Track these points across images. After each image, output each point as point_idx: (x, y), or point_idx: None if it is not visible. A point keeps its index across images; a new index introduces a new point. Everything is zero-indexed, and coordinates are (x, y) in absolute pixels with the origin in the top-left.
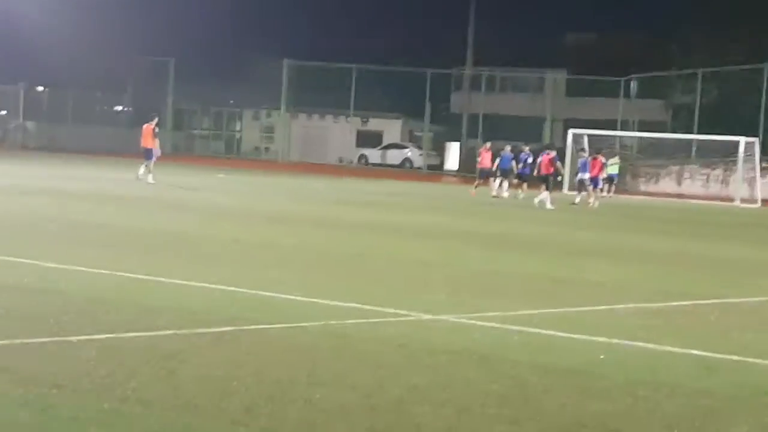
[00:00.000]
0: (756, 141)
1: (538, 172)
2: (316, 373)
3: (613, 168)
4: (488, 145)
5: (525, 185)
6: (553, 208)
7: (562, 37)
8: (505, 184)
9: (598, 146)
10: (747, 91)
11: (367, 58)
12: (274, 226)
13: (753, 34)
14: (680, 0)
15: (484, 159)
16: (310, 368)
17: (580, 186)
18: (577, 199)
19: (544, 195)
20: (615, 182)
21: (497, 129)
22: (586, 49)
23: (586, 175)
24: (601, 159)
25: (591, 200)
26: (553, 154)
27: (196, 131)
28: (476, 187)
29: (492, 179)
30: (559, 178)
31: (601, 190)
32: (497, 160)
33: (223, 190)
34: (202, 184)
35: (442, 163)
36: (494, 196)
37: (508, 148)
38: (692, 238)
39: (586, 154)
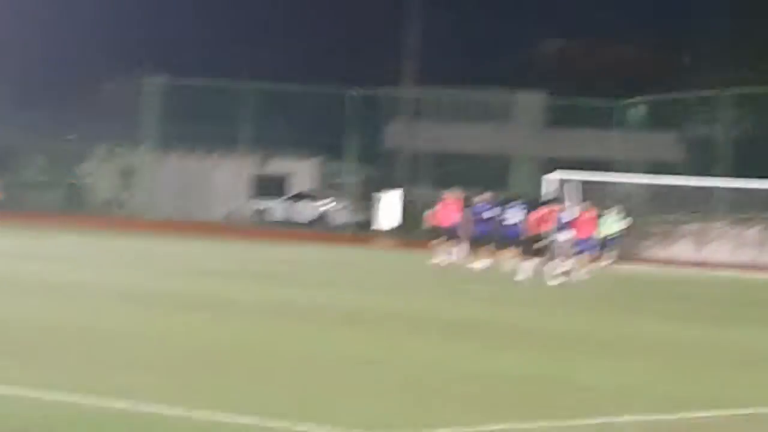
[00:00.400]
0: None
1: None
2: None
3: (611, 226)
4: (452, 194)
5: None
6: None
7: (539, 46)
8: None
9: (588, 195)
10: None
11: (266, 73)
12: (134, 308)
13: None
14: None
15: (446, 213)
16: None
17: (558, 251)
18: (561, 270)
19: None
20: (615, 246)
21: (449, 171)
22: (571, 61)
23: (567, 235)
24: (593, 213)
25: (575, 270)
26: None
27: (25, 177)
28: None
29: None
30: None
31: (597, 258)
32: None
33: (62, 260)
34: (32, 252)
35: (373, 220)
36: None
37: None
38: (718, 323)
39: (569, 205)
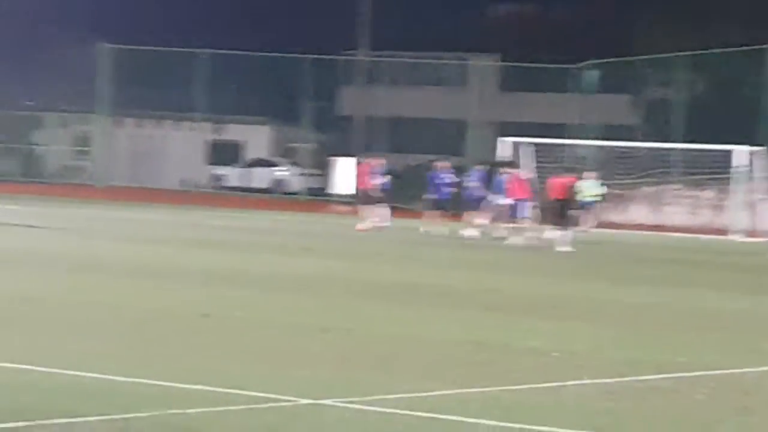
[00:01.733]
0: (761, 151)
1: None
2: None
3: (589, 190)
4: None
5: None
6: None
7: (491, 10)
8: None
9: (541, 160)
10: (744, 82)
11: (220, 40)
12: (87, 276)
13: (752, 5)
14: None
15: (365, 177)
16: None
17: (496, 213)
18: (501, 232)
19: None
20: (591, 211)
21: (404, 137)
22: (524, 25)
23: (502, 200)
24: (524, 175)
25: (509, 233)
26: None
27: None
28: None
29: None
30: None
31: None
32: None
33: (15, 228)
34: None
35: (328, 186)
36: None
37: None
38: (673, 286)
39: (511, 171)
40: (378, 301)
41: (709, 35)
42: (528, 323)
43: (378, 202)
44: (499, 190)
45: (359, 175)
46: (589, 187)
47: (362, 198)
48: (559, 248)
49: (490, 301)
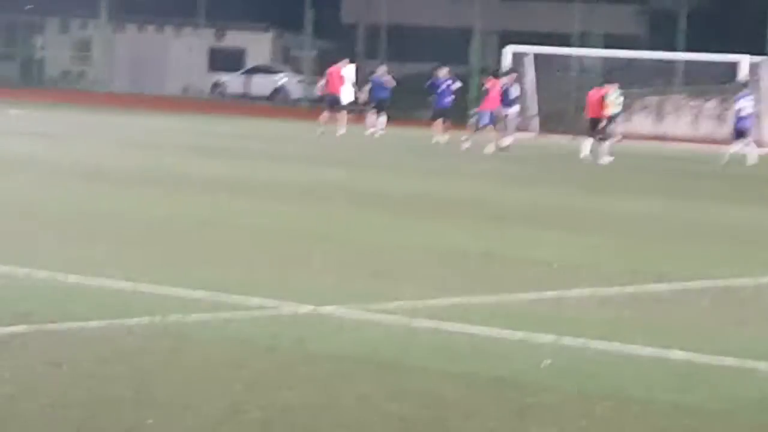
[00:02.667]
0: (764, 60)
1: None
2: (148, 389)
3: (615, 104)
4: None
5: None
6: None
7: None
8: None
9: (545, 70)
10: None
11: None
12: (88, 184)
13: None
14: None
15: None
16: (139, 383)
17: (508, 124)
18: (507, 141)
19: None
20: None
21: (407, 45)
22: None
23: (512, 109)
24: (500, 82)
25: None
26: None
27: None
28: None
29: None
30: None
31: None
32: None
33: (16, 134)
34: None
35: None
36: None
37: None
38: (674, 196)
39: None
40: (379, 210)
41: None
42: (530, 234)
43: (363, 109)
44: (505, 101)
45: (329, 80)
46: (614, 101)
47: (329, 102)
48: (602, 160)
49: (492, 212)
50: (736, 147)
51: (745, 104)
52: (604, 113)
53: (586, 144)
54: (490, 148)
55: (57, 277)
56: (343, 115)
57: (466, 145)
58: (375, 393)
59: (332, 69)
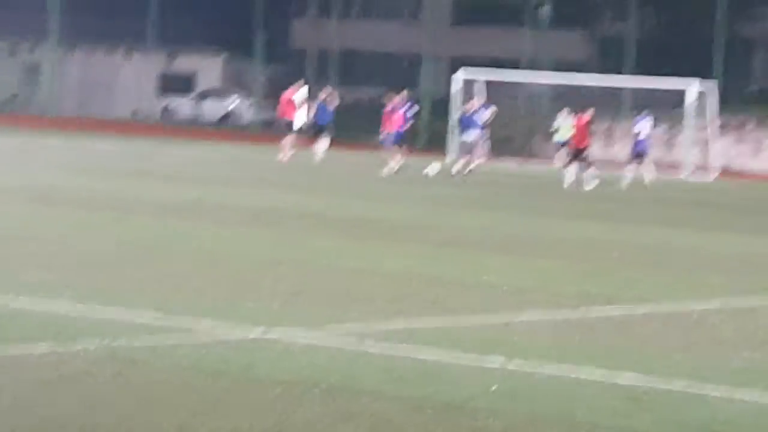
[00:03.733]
0: (711, 87)
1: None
2: (93, 414)
3: (565, 130)
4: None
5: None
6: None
7: None
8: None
9: (495, 95)
10: (698, 18)
11: None
12: (36, 208)
13: None
14: None
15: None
16: (86, 408)
17: (468, 149)
18: (459, 166)
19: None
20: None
21: (357, 70)
22: None
23: (475, 134)
24: (398, 104)
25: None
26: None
27: None
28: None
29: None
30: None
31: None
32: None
33: None
34: None
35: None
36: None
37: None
38: (623, 222)
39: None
40: (329, 234)
41: None
42: (480, 258)
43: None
44: (467, 127)
45: (281, 104)
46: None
47: (285, 127)
48: (588, 186)
49: (443, 236)
50: (634, 169)
51: (643, 127)
52: (586, 142)
53: (570, 172)
54: (390, 170)
55: (3, 300)
56: (292, 139)
57: (395, 168)
58: (323, 417)
59: (284, 94)
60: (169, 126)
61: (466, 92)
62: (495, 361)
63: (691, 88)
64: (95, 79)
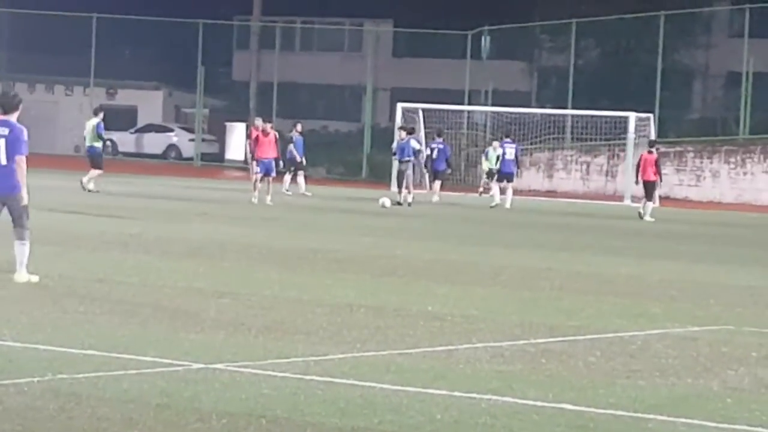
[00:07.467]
0: (650, 117)
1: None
2: None
3: (492, 160)
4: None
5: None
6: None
7: None
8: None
9: (438, 126)
10: (637, 49)
11: (114, 4)
12: None
13: None
14: None
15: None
16: None
17: (399, 177)
18: (410, 198)
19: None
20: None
21: (299, 102)
22: None
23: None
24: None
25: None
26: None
27: None
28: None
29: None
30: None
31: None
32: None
33: None
34: None
35: (222, 152)
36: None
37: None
38: (565, 250)
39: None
40: (273, 266)
41: (600, 2)
42: (423, 288)
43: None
44: (402, 155)
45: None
46: (492, 156)
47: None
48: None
49: (386, 266)
50: (498, 189)
51: (508, 150)
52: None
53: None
54: (255, 198)
55: None
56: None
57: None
58: None
59: (251, 131)
60: (110, 160)
61: (407, 123)
62: (438, 392)
63: (631, 118)
64: (36, 115)
